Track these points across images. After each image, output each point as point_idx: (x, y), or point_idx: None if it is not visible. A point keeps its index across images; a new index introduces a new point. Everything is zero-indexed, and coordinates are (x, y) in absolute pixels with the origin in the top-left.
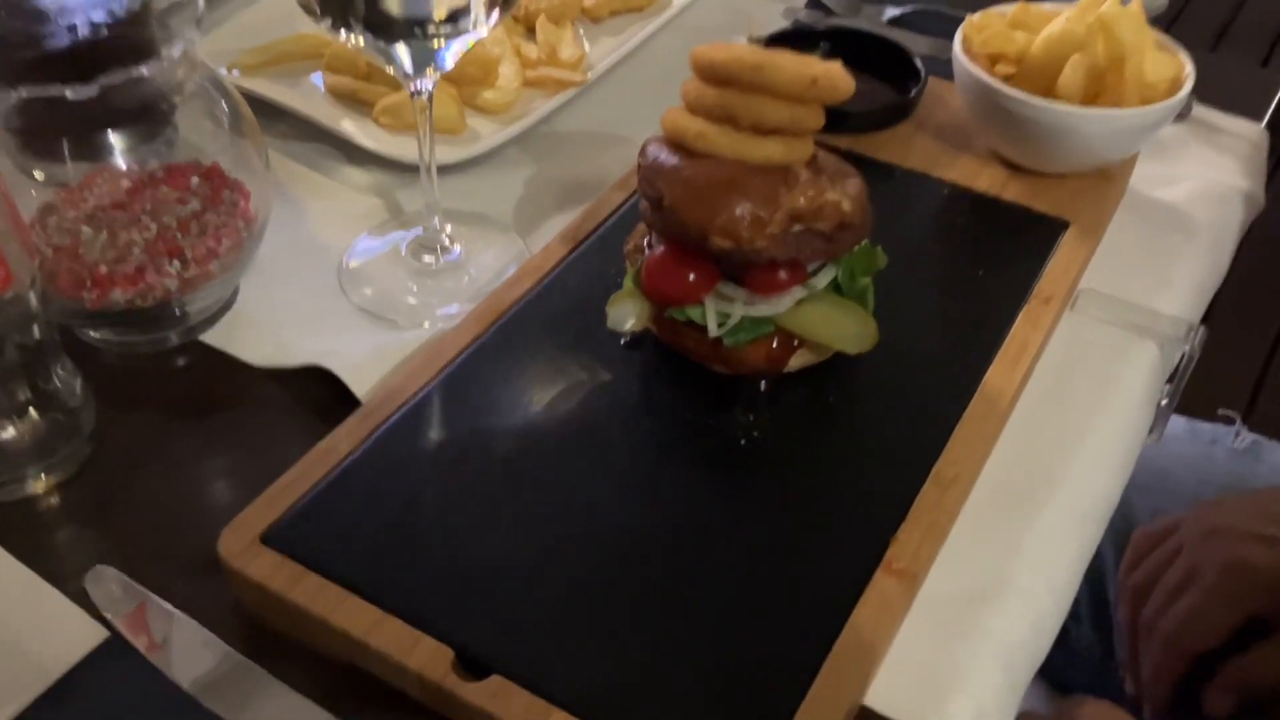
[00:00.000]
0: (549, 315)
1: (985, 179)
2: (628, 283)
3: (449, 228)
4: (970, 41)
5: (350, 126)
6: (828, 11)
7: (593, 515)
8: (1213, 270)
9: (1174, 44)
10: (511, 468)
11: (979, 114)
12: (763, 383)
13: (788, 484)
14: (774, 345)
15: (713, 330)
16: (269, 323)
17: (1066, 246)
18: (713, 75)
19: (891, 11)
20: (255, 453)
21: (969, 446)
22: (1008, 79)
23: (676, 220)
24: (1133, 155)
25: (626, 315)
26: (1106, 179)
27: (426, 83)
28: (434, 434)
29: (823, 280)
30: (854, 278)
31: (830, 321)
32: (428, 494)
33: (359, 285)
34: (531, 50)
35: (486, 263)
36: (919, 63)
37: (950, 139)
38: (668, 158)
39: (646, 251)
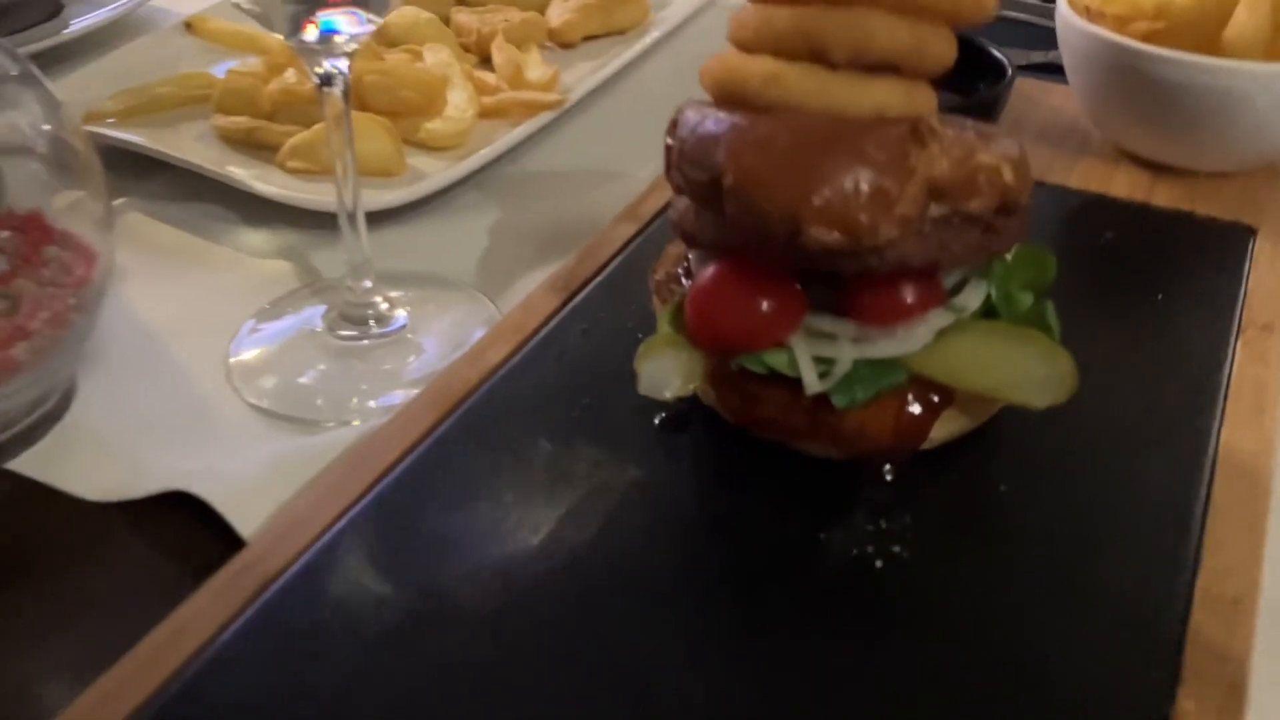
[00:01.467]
0: (539, 392)
1: (1122, 183)
2: (663, 325)
3: (387, 292)
4: (1079, 5)
5: (245, 174)
6: None
7: (640, 710)
8: None
9: None
10: (491, 642)
11: (1105, 96)
12: (888, 469)
13: (964, 628)
14: (907, 405)
15: (811, 385)
16: (118, 437)
17: (1264, 257)
18: None
19: None
20: (85, 637)
21: (1241, 544)
22: (1147, 41)
23: (747, 207)
24: None
25: (667, 374)
26: (1277, 176)
27: (339, 64)
28: (358, 592)
29: (973, 300)
30: (1012, 297)
31: (1000, 360)
32: (351, 694)
33: (255, 376)
34: (489, 78)
35: (442, 333)
36: (999, 54)
37: (1059, 141)
38: (721, 121)
39: (685, 282)
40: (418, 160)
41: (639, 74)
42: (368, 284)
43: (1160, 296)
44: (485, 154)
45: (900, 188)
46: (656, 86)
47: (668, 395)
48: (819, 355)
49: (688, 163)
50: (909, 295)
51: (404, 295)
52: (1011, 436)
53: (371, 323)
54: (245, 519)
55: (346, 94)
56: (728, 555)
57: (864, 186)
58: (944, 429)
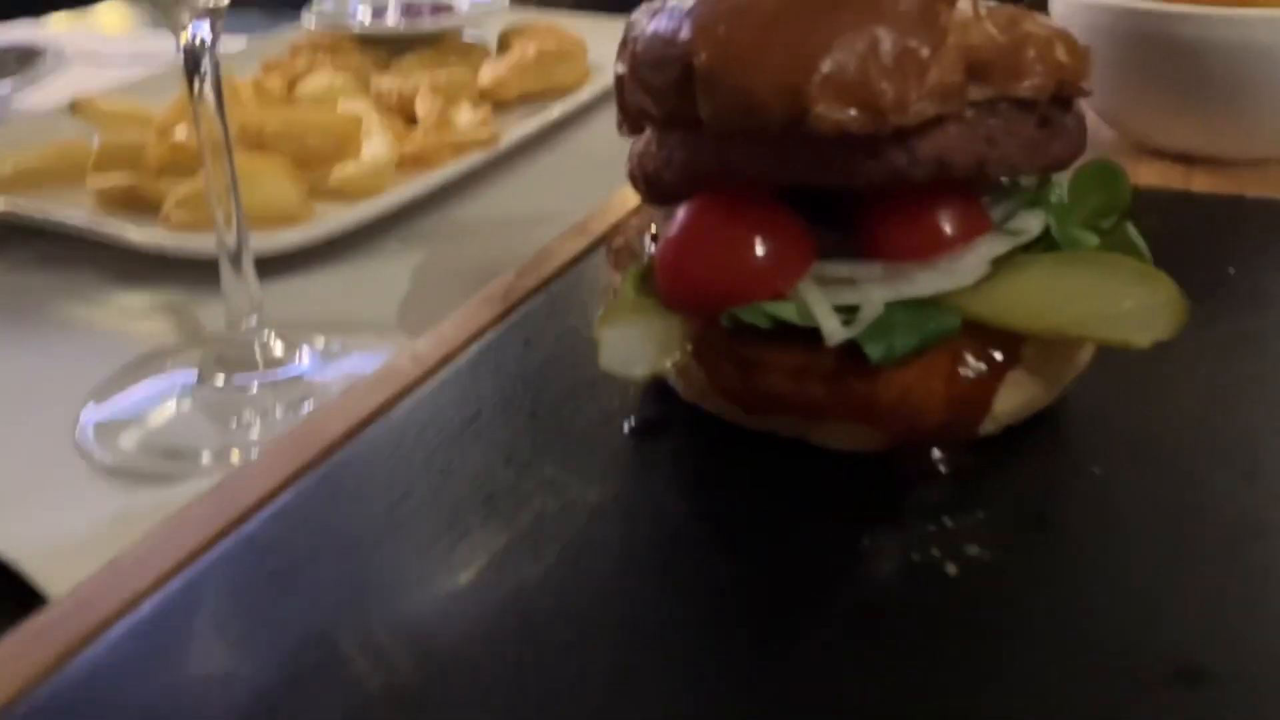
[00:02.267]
0: (472, 407)
1: (1152, 175)
2: (627, 289)
3: (286, 336)
4: None
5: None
6: None
7: None
8: None
9: None
10: (399, 705)
11: (1120, 79)
12: (939, 457)
13: (1093, 637)
14: (961, 365)
15: (833, 333)
16: None
17: None
18: None
19: None
20: None
21: None
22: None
23: (730, 93)
24: None
25: (637, 346)
26: None
27: (202, 29)
28: (207, 654)
29: (1031, 224)
30: (1076, 239)
31: (1081, 289)
32: None
33: (110, 435)
34: (414, 131)
35: (352, 373)
36: None
37: None
38: (684, 5)
39: (651, 249)
40: (333, 210)
41: (580, 132)
42: (253, 321)
43: (1232, 271)
44: (404, 192)
45: (931, 51)
46: (597, 146)
47: (639, 372)
48: (839, 304)
49: (645, 66)
50: (948, 219)
51: (306, 338)
52: (1090, 414)
53: (260, 366)
54: (65, 583)
55: (218, 88)
56: (738, 575)
57: (885, 47)
58: (1010, 400)
